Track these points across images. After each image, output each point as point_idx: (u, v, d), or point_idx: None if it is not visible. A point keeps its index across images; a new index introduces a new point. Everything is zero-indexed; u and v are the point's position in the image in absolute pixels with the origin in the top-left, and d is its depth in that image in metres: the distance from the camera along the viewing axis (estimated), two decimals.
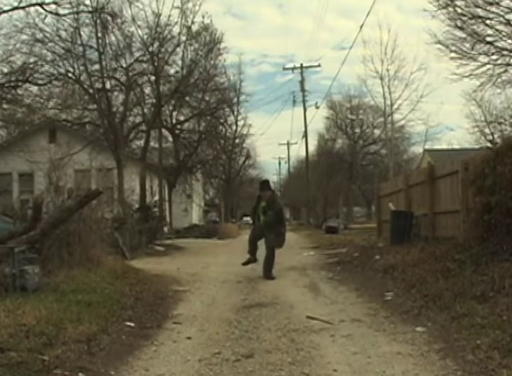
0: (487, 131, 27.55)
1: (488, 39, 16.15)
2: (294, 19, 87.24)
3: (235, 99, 36.09)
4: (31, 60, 20.31)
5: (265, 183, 10.86)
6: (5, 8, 18.99)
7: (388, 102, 32.81)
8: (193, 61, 24.76)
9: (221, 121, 32.33)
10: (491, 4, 15.47)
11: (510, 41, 16.01)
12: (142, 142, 25.65)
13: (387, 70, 32.29)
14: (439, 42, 16.93)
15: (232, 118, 37.08)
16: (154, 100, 24.50)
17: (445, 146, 38.36)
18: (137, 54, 22.57)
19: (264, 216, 10.13)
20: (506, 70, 16.52)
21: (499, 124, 24.53)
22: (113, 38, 21.34)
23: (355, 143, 47.41)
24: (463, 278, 6.60)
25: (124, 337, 5.43)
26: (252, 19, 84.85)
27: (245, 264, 10.28)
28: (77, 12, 19.78)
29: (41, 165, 15.12)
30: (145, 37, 22.04)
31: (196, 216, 37.74)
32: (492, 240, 7.24)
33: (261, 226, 10.19)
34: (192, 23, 22.90)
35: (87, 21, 20.38)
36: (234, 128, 39.06)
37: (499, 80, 16.93)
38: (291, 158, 60.75)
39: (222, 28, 35.40)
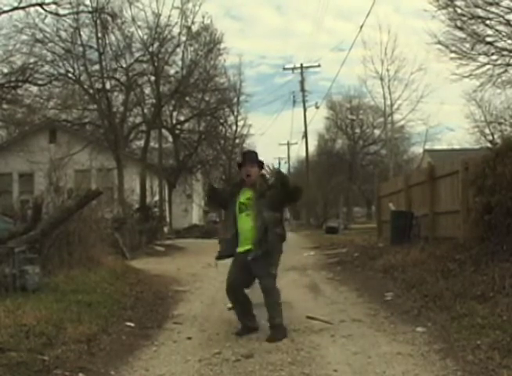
0: (487, 131, 27.66)
1: (488, 39, 16.20)
2: (293, 20, 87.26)
3: (235, 100, 36.06)
4: (31, 60, 20.38)
5: (252, 154, 5.77)
6: (5, 8, 19.12)
7: (388, 102, 32.88)
8: (193, 61, 24.75)
9: (221, 121, 32.28)
10: (491, 4, 15.51)
11: (509, 41, 16.06)
12: (142, 143, 25.65)
13: (387, 71, 32.37)
14: (439, 42, 17.00)
15: (232, 118, 36.99)
16: (154, 100, 24.50)
17: (445, 147, 38.39)
18: (137, 54, 22.64)
19: (251, 219, 5.45)
20: (505, 71, 16.56)
21: (499, 124, 24.61)
22: (113, 38, 21.42)
23: (354, 143, 47.34)
24: (463, 278, 6.61)
25: (125, 337, 5.43)
26: (251, 20, 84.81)
27: (240, 334, 5.45)
28: (77, 13, 19.85)
29: (41, 165, 15.13)
30: (145, 37, 22.10)
31: (196, 216, 37.68)
32: (492, 240, 7.23)
33: (244, 259, 5.57)
34: (192, 23, 22.99)
35: (87, 21, 20.49)
36: (234, 128, 39.00)
37: (499, 80, 16.99)
38: (291, 158, 60.51)
39: (222, 29, 35.37)
